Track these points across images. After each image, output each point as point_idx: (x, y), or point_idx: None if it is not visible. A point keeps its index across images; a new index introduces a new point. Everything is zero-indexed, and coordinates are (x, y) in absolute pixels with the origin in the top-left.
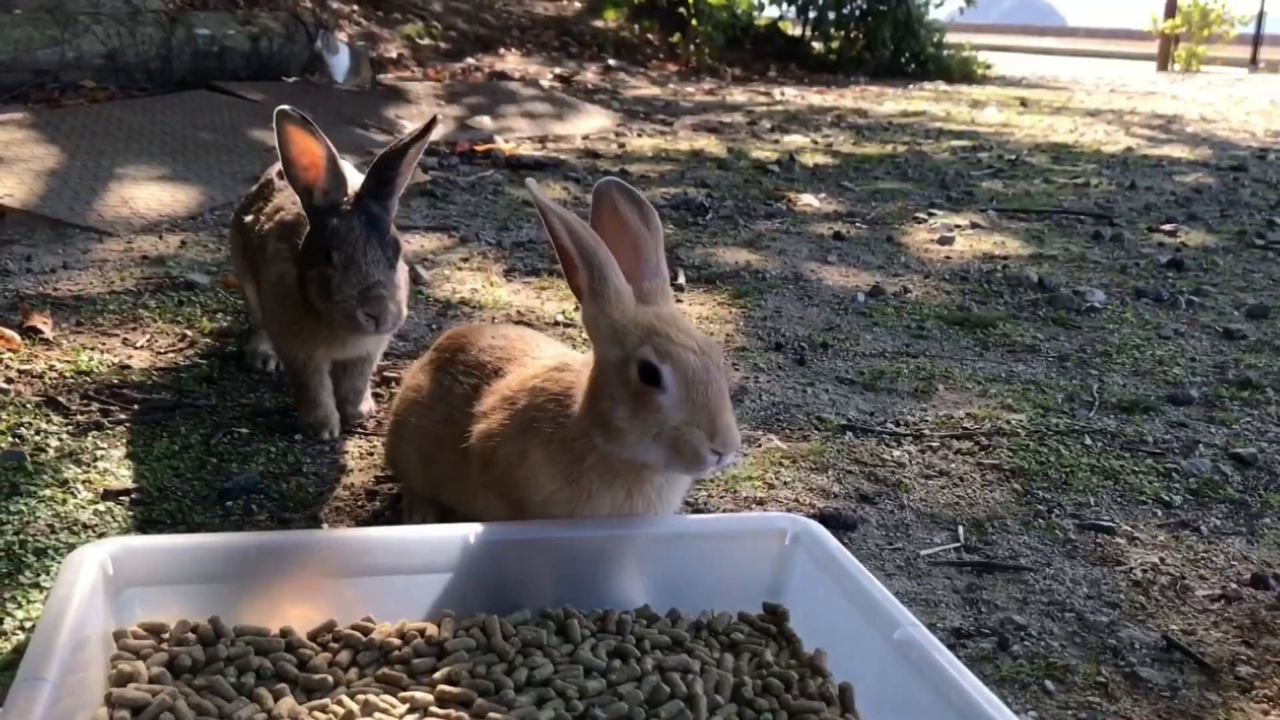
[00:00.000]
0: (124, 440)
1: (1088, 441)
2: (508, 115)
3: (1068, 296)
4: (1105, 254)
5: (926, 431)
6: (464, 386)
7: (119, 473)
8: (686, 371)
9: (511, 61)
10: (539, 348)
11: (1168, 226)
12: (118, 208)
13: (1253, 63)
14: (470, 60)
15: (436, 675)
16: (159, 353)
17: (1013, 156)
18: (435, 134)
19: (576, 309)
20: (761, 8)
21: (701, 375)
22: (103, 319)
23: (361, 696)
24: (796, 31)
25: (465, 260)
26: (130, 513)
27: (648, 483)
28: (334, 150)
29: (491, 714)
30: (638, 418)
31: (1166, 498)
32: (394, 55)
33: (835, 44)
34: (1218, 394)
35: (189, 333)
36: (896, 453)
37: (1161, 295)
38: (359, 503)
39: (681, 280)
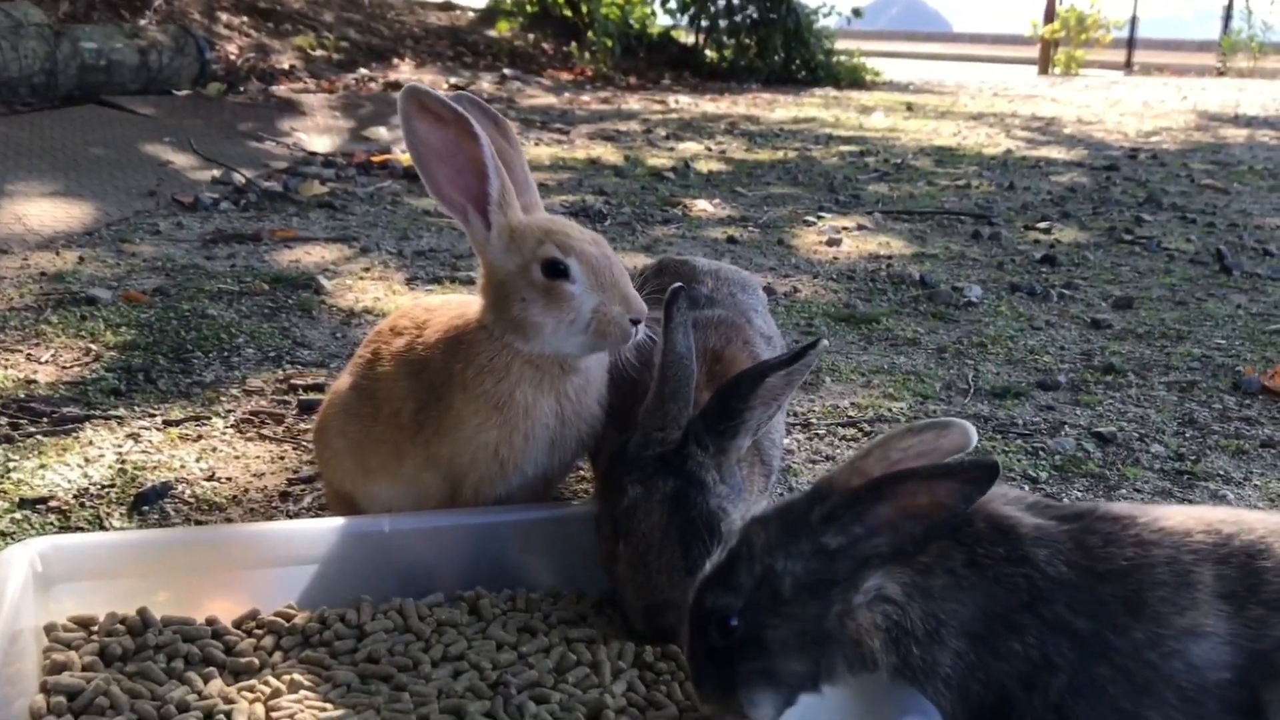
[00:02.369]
0: (35, 452)
1: None
2: None
3: (947, 292)
4: (983, 252)
5: (814, 420)
6: (385, 367)
7: (33, 483)
8: (589, 260)
9: (406, 71)
10: (441, 309)
11: (1043, 224)
12: (10, 225)
13: (1127, 66)
14: (364, 71)
15: (358, 655)
16: (64, 367)
17: (898, 160)
18: (329, 146)
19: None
20: (654, 16)
21: (602, 260)
22: (4, 335)
23: (287, 676)
24: (690, 40)
25: (366, 270)
26: (47, 520)
27: (569, 384)
28: (679, 355)
29: (411, 687)
30: (552, 311)
31: (1033, 474)
32: (286, 67)
33: (728, 52)
34: (1084, 379)
35: (94, 347)
36: (786, 441)
37: (1035, 289)
38: (273, 504)
39: None
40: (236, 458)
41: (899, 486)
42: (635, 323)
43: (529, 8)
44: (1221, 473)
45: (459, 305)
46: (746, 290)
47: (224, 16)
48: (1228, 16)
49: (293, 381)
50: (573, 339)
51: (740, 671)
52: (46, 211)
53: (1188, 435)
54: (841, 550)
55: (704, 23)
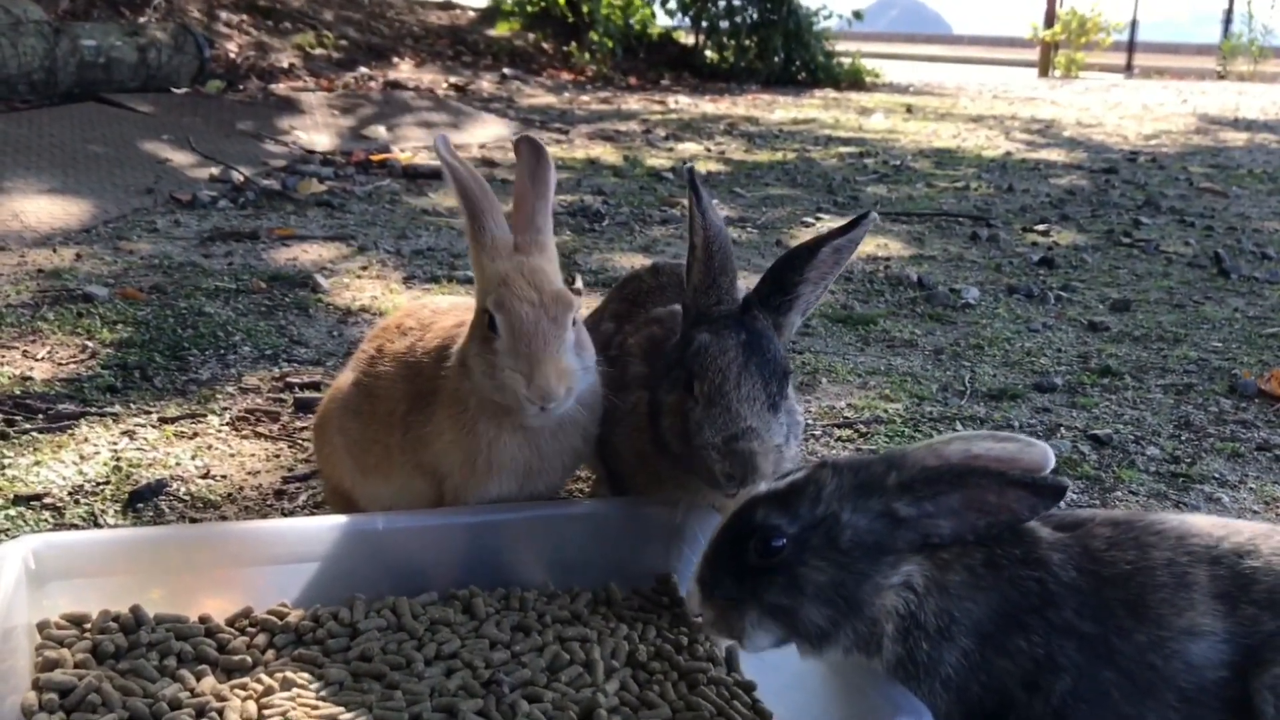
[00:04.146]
0: (31, 448)
1: (959, 427)
2: (403, 124)
3: (945, 294)
4: (982, 254)
5: (810, 421)
6: (385, 365)
7: (28, 479)
8: (515, 321)
9: (405, 71)
10: (448, 313)
11: (1041, 227)
12: (8, 221)
13: (1127, 69)
14: (363, 69)
15: (351, 653)
16: (60, 364)
17: (897, 162)
18: (327, 144)
19: None
20: (654, 16)
21: (529, 326)
22: (0, 332)
23: (280, 674)
24: (690, 41)
25: (364, 269)
26: (42, 516)
27: (538, 430)
28: (718, 230)
29: (404, 685)
30: (480, 359)
31: None
32: (285, 65)
33: (728, 53)
34: (1080, 381)
35: (90, 344)
36: None
37: (1032, 291)
38: (267, 502)
39: (580, 285)
40: (232, 455)
41: (977, 479)
42: (533, 402)
43: (529, 8)
44: (1217, 475)
45: (466, 311)
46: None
47: (223, 14)
48: (1228, 20)
49: (289, 380)
50: (494, 392)
51: (764, 598)
52: (44, 208)
53: (1183, 438)
54: (909, 521)
55: (704, 23)
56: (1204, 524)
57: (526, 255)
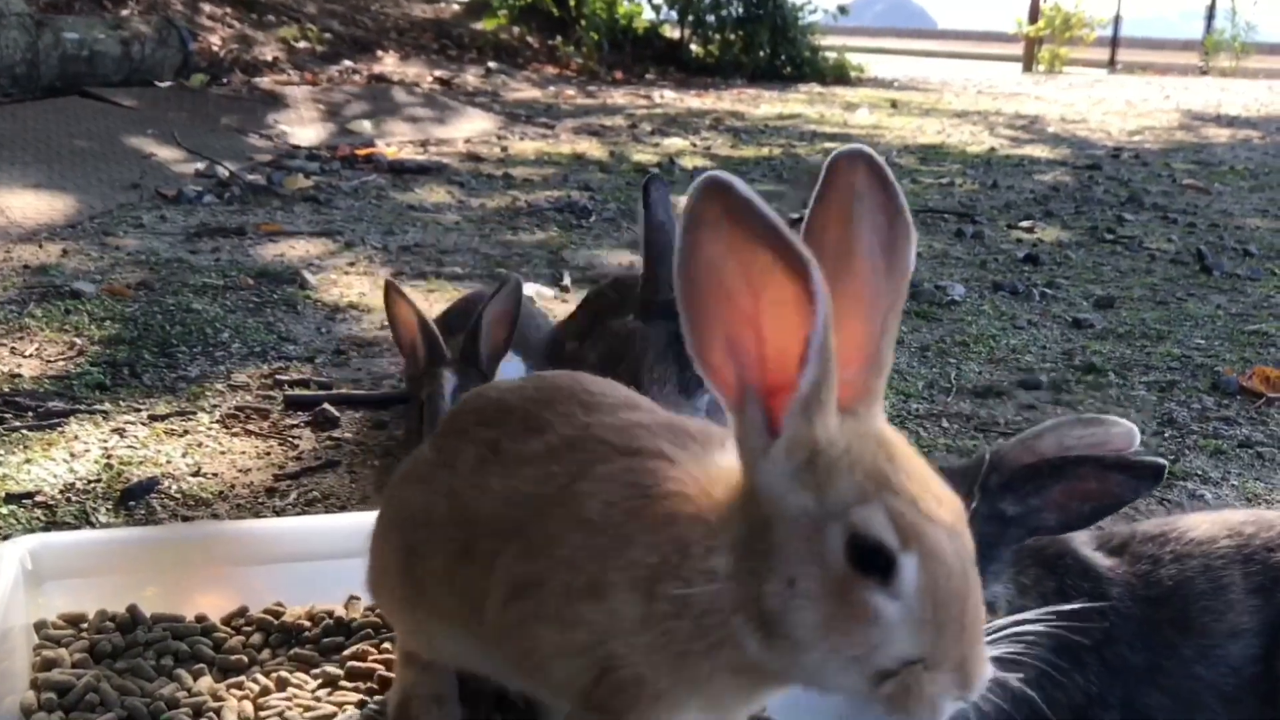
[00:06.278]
0: (21, 446)
1: (945, 424)
2: (388, 119)
3: (930, 291)
4: (967, 250)
5: None
6: (479, 447)
7: (19, 477)
8: (938, 573)
9: (390, 64)
10: (616, 408)
11: (1026, 223)
12: None
13: (1111, 64)
14: (347, 63)
15: (345, 653)
16: (49, 361)
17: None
18: (313, 139)
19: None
20: (641, 9)
21: (957, 582)
22: None
23: (276, 674)
24: (676, 35)
25: (351, 264)
26: (34, 515)
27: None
28: (659, 224)
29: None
30: (836, 630)
31: None
32: (269, 59)
33: (713, 47)
34: (1065, 379)
35: (78, 341)
36: None
37: (1017, 288)
38: (259, 500)
39: (567, 282)
40: (223, 453)
41: (1076, 469)
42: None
43: (516, 2)
44: (1200, 472)
45: (650, 414)
46: None
47: (206, 7)
48: (1211, 16)
49: (278, 377)
50: (843, 680)
51: None
52: (29, 204)
53: (1167, 435)
54: (1017, 519)
55: (690, 18)
56: (1235, 521)
57: (856, 415)
